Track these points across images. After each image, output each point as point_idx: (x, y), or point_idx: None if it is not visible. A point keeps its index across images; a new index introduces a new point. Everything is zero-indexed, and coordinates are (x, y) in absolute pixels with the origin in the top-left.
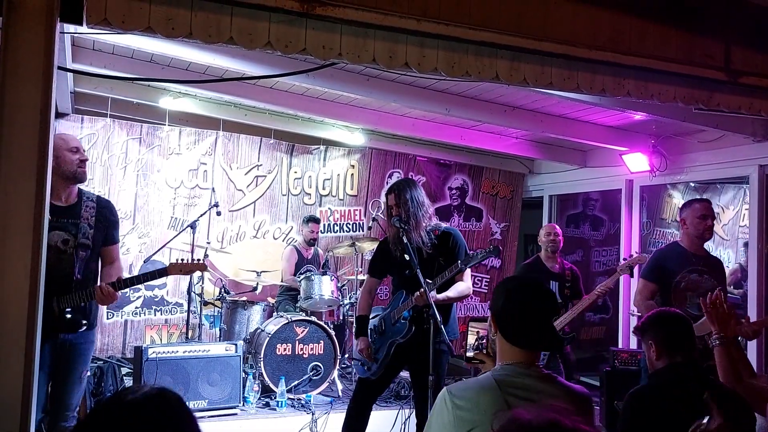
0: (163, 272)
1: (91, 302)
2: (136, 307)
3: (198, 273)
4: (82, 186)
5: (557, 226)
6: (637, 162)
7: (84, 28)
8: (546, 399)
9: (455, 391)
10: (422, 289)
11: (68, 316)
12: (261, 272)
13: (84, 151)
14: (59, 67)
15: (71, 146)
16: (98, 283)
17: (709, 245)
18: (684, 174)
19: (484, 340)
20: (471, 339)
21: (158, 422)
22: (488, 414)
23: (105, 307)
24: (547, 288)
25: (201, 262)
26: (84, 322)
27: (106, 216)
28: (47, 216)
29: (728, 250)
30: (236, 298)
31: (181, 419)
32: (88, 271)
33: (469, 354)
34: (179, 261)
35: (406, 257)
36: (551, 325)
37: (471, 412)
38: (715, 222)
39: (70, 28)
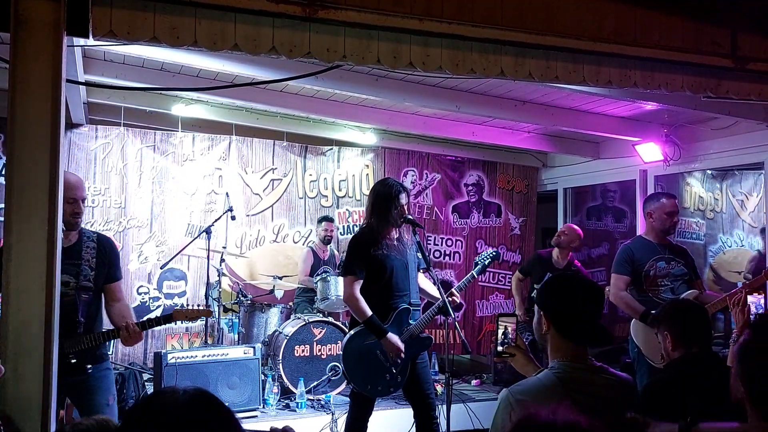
0: (168, 318)
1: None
2: (157, 317)
3: (215, 277)
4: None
5: (575, 227)
6: (650, 152)
7: (91, 41)
8: (600, 391)
9: (519, 393)
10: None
11: (72, 361)
12: (282, 277)
13: (82, 201)
14: (71, 81)
15: (68, 197)
16: (101, 327)
17: (739, 233)
18: (698, 162)
19: (513, 334)
20: (500, 333)
21: (207, 421)
22: None
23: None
24: (597, 285)
25: (208, 309)
26: (89, 366)
27: (107, 254)
28: (60, 227)
29: (757, 237)
30: (255, 302)
31: (227, 419)
32: (90, 313)
33: (499, 348)
34: (185, 308)
35: (419, 255)
36: (599, 320)
37: None
38: (677, 219)
39: (79, 40)
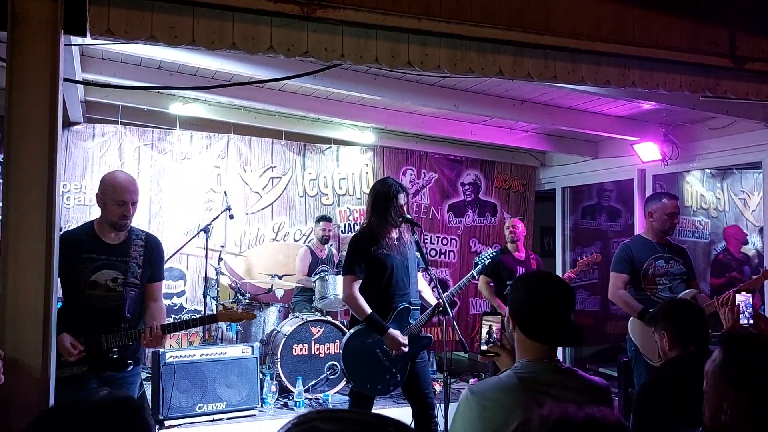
0: (213, 318)
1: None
2: (201, 316)
3: (213, 275)
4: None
5: (517, 220)
6: (649, 151)
7: (89, 39)
8: (568, 394)
9: (479, 392)
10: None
11: (115, 356)
12: (282, 276)
13: (132, 204)
14: (69, 80)
15: (118, 199)
16: (143, 324)
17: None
18: (696, 161)
19: (497, 333)
20: (484, 333)
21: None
22: (514, 413)
23: None
24: (566, 283)
25: (252, 312)
26: (130, 362)
27: (153, 253)
28: (58, 225)
29: (758, 236)
30: (253, 300)
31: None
32: (135, 310)
33: (483, 347)
34: (229, 309)
35: (417, 255)
36: (570, 319)
37: (496, 412)
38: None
39: (77, 39)
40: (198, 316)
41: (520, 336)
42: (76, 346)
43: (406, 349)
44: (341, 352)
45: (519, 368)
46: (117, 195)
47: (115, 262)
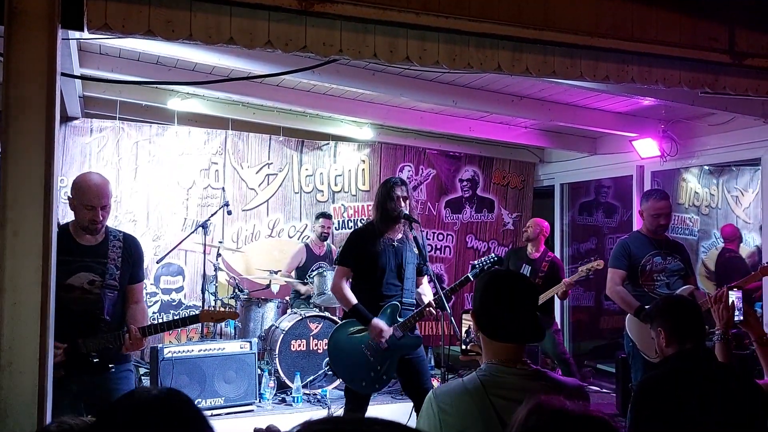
0: (195, 319)
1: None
2: (154, 312)
3: (211, 272)
4: (108, 223)
5: (539, 220)
6: (648, 147)
7: (86, 34)
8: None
9: (440, 395)
10: (436, 299)
11: (94, 360)
12: (277, 272)
13: (102, 208)
14: (66, 74)
15: (87, 203)
16: (125, 327)
17: None
18: (695, 158)
19: (475, 335)
20: (464, 331)
21: (169, 421)
22: (474, 417)
23: None
24: (525, 279)
25: (234, 311)
26: (111, 366)
27: (132, 254)
28: (55, 220)
29: (752, 233)
30: (251, 296)
31: (192, 419)
32: (116, 312)
33: (463, 347)
34: (211, 308)
35: (415, 251)
36: (531, 315)
37: (455, 417)
38: (669, 220)
39: (75, 33)
40: (179, 317)
41: (482, 338)
42: (59, 346)
43: (384, 339)
44: (327, 342)
45: (483, 371)
46: (86, 199)
47: (91, 264)
